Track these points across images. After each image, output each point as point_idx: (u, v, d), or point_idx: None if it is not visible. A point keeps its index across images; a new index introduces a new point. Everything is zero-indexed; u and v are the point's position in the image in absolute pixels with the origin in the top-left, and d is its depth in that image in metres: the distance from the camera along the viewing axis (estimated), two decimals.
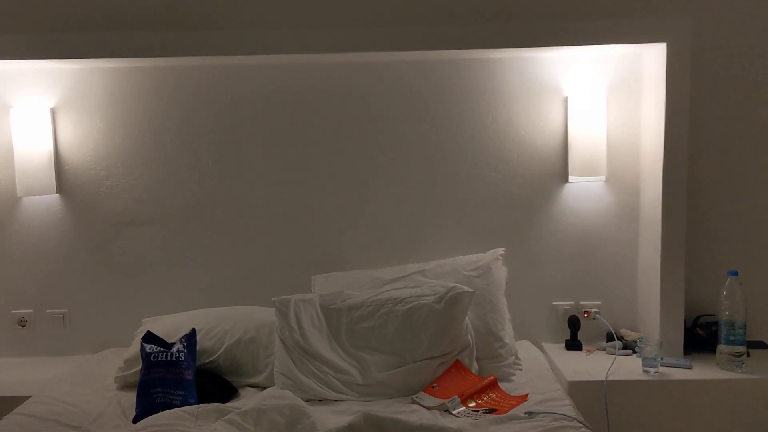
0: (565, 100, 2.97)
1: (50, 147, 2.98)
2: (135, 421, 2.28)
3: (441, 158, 3.02)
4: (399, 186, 3.04)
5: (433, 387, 2.46)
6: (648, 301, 2.93)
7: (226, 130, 3.03)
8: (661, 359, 2.68)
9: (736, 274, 2.68)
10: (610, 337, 2.94)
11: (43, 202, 3.04)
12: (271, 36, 2.76)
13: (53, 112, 3.00)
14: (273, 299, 2.66)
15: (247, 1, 2.88)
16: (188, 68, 2.99)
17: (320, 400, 2.44)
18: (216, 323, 2.72)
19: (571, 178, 2.99)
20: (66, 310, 3.08)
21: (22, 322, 3.09)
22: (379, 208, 3.06)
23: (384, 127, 3.02)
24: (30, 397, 2.48)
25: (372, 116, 3.02)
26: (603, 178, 2.97)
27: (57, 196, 3.04)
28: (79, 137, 3.02)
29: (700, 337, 2.87)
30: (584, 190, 3.02)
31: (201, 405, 2.24)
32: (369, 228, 3.06)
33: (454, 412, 2.30)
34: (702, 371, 2.68)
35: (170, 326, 2.71)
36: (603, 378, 2.59)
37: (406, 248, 3.05)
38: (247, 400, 2.41)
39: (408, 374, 2.49)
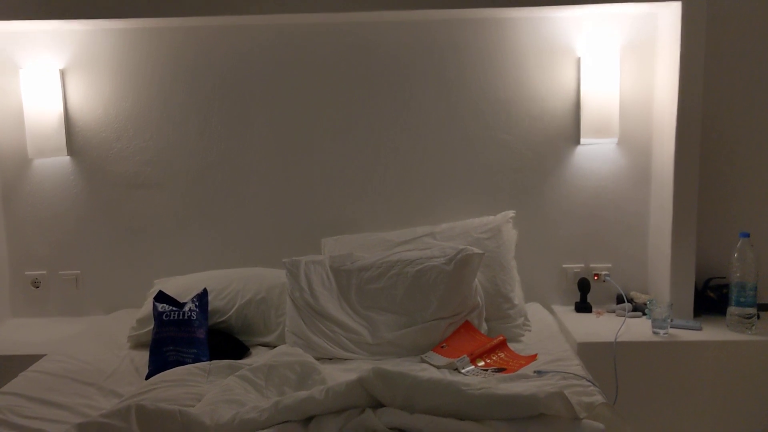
0: (578, 60, 2.93)
1: (60, 109, 2.98)
2: (148, 378, 2.31)
3: (451, 120, 3.00)
4: (409, 148, 3.03)
5: (442, 347, 2.48)
6: (659, 264, 2.92)
7: (236, 92, 3.01)
8: (671, 321, 2.68)
9: (747, 236, 2.66)
10: (620, 300, 2.95)
11: (54, 164, 3.06)
12: None
13: (63, 73, 2.99)
14: (283, 260, 2.67)
15: None
16: (197, 29, 2.97)
17: (330, 359, 2.47)
18: (227, 284, 2.74)
19: (583, 140, 2.96)
20: (79, 271, 3.12)
21: (35, 283, 3.12)
22: (390, 170, 3.05)
23: (394, 87, 3.00)
24: (44, 356, 2.51)
25: (382, 77, 2.99)
26: (615, 139, 2.94)
27: (68, 158, 3.05)
28: (89, 99, 3.02)
29: (710, 299, 2.87)
30: (596, 152, 3.00)
31: (213, 361, 2.27)
32: (379, 191, 3.06)
33: (463, 371, 2.32)
34: (712, 333, 2.68)
35: (182, 287, 2.73)
36: (612, 339, 2.60)
37: (416, 211, 3.05)
38: (259, 357, 2.43)
39: (417, 334, 2.50)
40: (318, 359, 2.34)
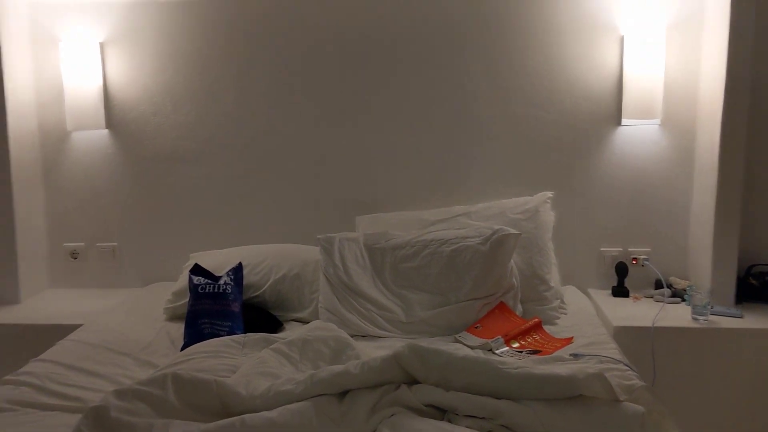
0: (621, 38, 2.86)
1: (99, 82, 3.00)
2: (183, 350, 2.32)
3: (490, 98, 2.95)
4: (447, 126, 2.99)
5: (476, 327, 2.45)
6: (700, 249, 2.85)
7: (274, 66, 3.00)
8: (711, 307, 2.62)
9: None
10: (658, 285, 2.89)
11: (92, 137, 3.08)
12: None
13: (102, 46, 3.01)
14: (318, 237, 2.67)
15: None
16: (236, 1, 2.95)
17: (363, 336, 2.46)
18: (262, 259, 2.75)
19: (624, 121, 2.89)
20: (116, 243, 3.15)
21: (74, 255, 3.16)
22: (426, 148, 3.01)
23: (433, 64, 2.95)
24: (81, 325, 2.54)
25: (421, 52, 2.95)
26: (658, 121, 2.87)
27: (106, 131, 3.07)
28: (127, 73, 3.03)
29: (752, 286, 2.80)
30: (638, 134, 2.93)
31: (248, 334, 2.28)
32: (415, 169, 3.03)
33: (497, 351, 2.29)
34: (753, 320, 2.61)
35: (217, 261, 2.75)
36: (650, 324, 2.55)
37: (452, 190, 3.01)
38: (293, 331, 2.43)
39: (451, 314, 2.48)
40: (351, 336, 2.33)
